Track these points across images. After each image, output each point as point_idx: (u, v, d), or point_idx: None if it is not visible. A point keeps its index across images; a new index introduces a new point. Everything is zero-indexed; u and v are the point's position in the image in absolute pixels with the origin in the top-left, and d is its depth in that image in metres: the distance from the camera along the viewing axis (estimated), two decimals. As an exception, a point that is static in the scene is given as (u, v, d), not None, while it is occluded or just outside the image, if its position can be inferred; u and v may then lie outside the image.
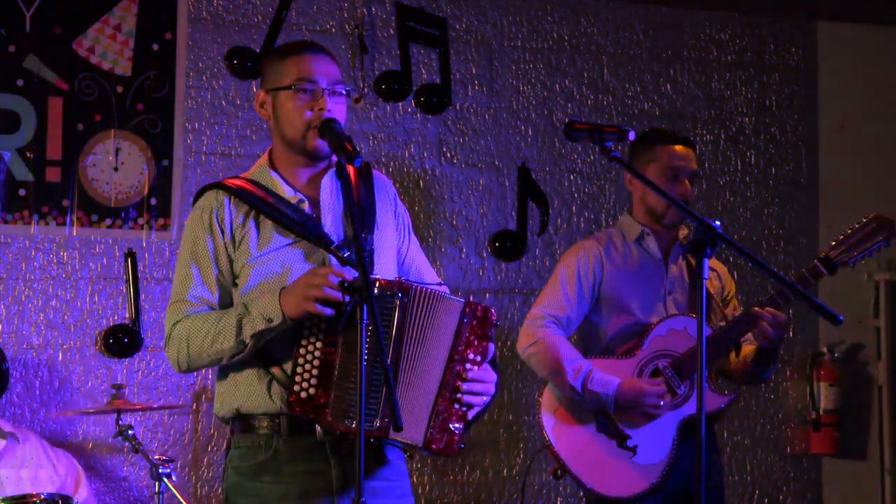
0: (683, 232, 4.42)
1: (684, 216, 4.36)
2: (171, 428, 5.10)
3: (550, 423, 4.28)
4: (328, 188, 3.24)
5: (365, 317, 2.88)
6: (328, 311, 3.01)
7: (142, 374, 5.09)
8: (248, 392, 3.17)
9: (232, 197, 3.20)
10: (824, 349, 5.80)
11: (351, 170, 3.20)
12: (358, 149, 3.08)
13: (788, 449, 5.81)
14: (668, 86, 5.77)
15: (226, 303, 3.23)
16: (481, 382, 3.19)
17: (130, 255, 5.06)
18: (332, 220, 3.22)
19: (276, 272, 3.18)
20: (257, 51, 5.24)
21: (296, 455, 3.13)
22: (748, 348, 4.35)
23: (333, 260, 3.14)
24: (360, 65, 5.36)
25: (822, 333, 5.83)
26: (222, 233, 3.19)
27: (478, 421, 3.27)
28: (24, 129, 5.00)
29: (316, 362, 3.04)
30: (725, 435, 5.69)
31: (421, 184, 5.43)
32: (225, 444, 3.36)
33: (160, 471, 4.37)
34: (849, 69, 5.97)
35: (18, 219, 4.98)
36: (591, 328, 4.38)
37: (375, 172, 3.37)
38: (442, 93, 5.45)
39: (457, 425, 3.17)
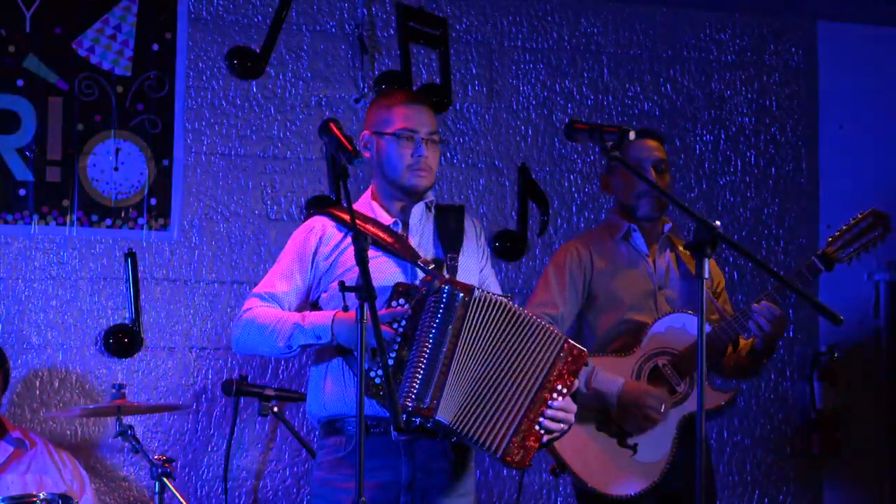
0: (668, 225, 4.40)
1: (655, 208, 4.34)
2: (171, 428, 5.10)
3: None
4: (417, 215, 3.71)
5: (367, 315, 3.18)
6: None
7: (142, 374, 5.09)
8: (336, 395, 3.57)
9: (335, 220, 3.69)
10: (824, 349, 5.80)
11: (441, 207, 3.77)
12: (359, 149, 3.13)
13: (788, 449, 5.81)
14: (668, 86, 5.77)
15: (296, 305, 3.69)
16: (564, 412, 3.54)
17: (130, 255, 5.06)
18: (418, 240, 3.68)
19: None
20: (257, 51, 5.24)
21: (372, 452, 3.46)
22: (744, 343, 4.34)
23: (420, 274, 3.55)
24: (360, 65, 5.36)
25: (822, 333, 5.82)
26: (324, 244, 3.64)
27: (548, 446, 3.61)
28: (24, 129, 5.00)
29: (392, 354, 3.46)
30: (726, 435, 5.69)
31: (421, 184, 5.42)
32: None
33: (160, 471, 4.38)
34: (849, 69, 5.97)
35: (18, 219, 4.99)
36: (583, 326, 4.38)
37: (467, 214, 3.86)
38: (442, 93, 5.45)
39: (534, 444, 3.50)
